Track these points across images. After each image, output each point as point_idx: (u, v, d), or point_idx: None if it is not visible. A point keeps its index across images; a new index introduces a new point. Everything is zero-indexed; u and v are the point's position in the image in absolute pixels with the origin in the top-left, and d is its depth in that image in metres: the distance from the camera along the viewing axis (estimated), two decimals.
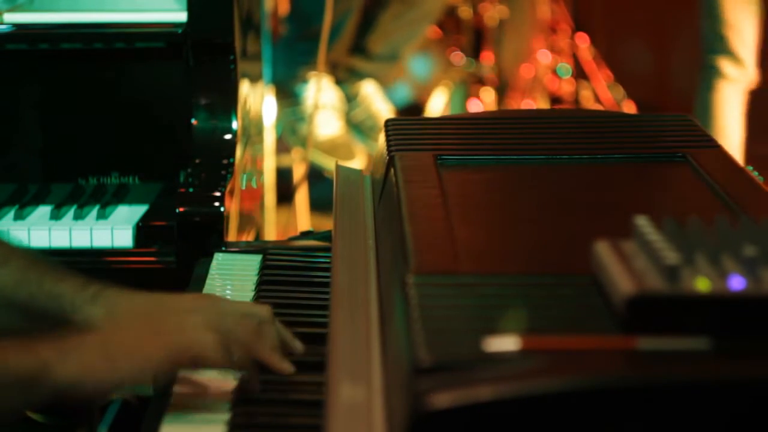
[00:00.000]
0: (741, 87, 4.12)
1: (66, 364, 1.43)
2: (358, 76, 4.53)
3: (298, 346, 1.62)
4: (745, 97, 4.13)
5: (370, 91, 4.53)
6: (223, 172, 2.27)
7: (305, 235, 2.17)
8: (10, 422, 1.53)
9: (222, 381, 1.55)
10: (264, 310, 1.62)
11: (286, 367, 1.55)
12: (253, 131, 2.62)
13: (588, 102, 5.21)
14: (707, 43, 4.12)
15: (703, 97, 4.14)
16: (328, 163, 4.28)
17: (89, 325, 1.61)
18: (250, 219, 2.56)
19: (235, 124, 2.32)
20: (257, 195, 2.83)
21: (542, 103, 5.20)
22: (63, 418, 2.65)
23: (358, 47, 4.51)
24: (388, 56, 4.57)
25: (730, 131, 4.06)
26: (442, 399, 1.09)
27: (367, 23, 4.48)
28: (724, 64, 4.09)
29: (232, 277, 1.98)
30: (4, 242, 1.76)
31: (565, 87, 5.26)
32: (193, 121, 2.31)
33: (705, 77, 4.14)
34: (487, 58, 5.24)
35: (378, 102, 4.53)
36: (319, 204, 4.25)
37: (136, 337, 1.48)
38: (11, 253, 1.72)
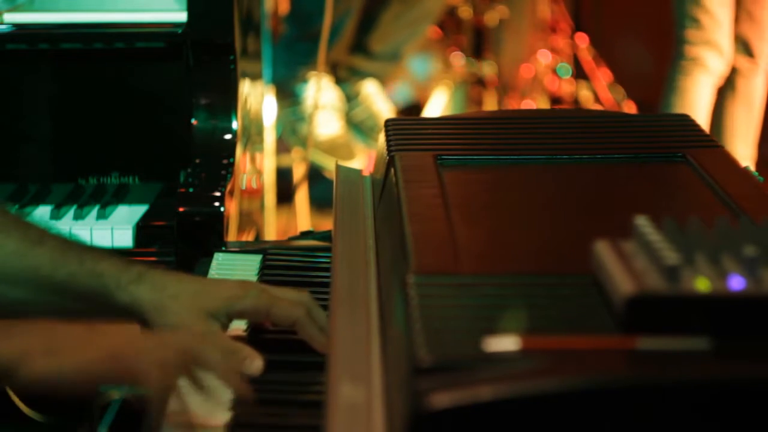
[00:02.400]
0: (715, 78, 4.07)
1: (6, 343, 1.41)
2: (359, 75, 4.53)
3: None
4: (717, 87, 4.08)
5: (371, 90, 4.53)
6: (223, 172, 2.27)
7: (305, 235, 2.17)
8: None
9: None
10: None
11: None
12: (253, 131, 2.62)
13: (588, 102, 5.21)
14: (681, 32, 4.05)
15: (674, 86, 4.06)
16: (328, 163, 4.29)
17: (136, 305, 1.60)
18: (250, 219, 2.56)
19: (235, 124, 2.32)
20: (257, 195, 2.83)
21: (542, 103, 5.20)
22: (63, 418, 2.64)
23: (359, 47, 4.51)
24: (389, 56, 4.57)
25: (700, 123, 4.02)
26: (442, 399, 1.09)
27: (367, 23, 4.48)
28: (703, 54, 4.03)
29: (232, 277, 1.98)
30: (36, 224, 1.73)
31: (565, 87, 5.27)
32: (193, 121, 2.31)
33: (679, 67, 4.07)
34: (487, 58, 5.25)
35: (379, 102, 4.54)
36: (319, 204, 4.25)
37: (83, 337, 1.45)
38: (45, 233, 1.69)
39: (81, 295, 1.63)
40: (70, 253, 1.66)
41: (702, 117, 4.02)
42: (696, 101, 4.03)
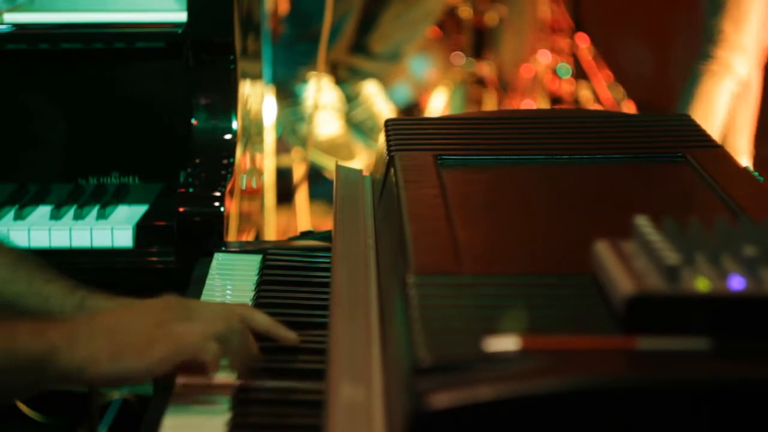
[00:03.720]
0: (738, 82, 4.09)
1: (73, 350, 1.45)
2: (360, 75, 4.53)
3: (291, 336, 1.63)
4: (737, 92, 4.11)
5: (371, 91, 4.53)
6: (223, 172, 2.27)
7: (305, 235, 2.17)
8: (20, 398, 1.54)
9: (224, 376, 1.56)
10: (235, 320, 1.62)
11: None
12: (253, 131, 2.62)
13: (588, 102, 5.21)
14: (710, 34, 4.07)
15: (695, 87, 4.08)
16: (328, 163, 4.29)
17: None
18: (250, 219, 2.56)
19: (235, 124, 2.32)
20: (257, 195, 2.83)
21: (542, 103, 5.20)
22: (63, 418, 2.64)
23: (360, 46, 4.51)
24: (389, 55, 4.57)
25: (718, 126, 4.04)
26: (442, 399, 1.09)
27: (367, 23, 4.48)
28: (732, 58, 4.05)
29: (232, 277, 1.98)
30: None
31: (565, 87, 5.26)
32: (193, 121, 2.31)
33: (702, 69, 4.08)
34: (487, 58, 5.25)
35: (379, 102, 4.54)
36: (319, 204, 4.25)
37: (146, 334, 1.49)
38: (0, 250, 1.73)
39: (27, 314, 1.66)
40: (20, 273, 1.70)
41: (720, 119, 4.04)
42: (718, 106, 4.04)
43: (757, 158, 4.22)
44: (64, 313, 1.66)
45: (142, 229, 2.22)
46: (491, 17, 5.25)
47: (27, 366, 1.44)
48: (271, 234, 3.87)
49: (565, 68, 5.28)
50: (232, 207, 2.26)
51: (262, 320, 1.64)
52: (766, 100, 4.25)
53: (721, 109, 4.06)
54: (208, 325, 1.53)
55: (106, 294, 1.69)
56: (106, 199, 2.32)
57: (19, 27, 2.40)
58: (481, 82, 5.22)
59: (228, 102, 2.33)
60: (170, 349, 1.48)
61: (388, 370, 1.34)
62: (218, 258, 2.06)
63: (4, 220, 2.25)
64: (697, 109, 4.00)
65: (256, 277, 1.94)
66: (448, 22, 5.26)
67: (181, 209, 2.19)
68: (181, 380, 1.56)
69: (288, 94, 4.37)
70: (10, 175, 2.40)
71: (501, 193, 1.78)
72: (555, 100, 5.25)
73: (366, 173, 2.11)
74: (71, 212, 2.27)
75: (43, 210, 2.29)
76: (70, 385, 1.53)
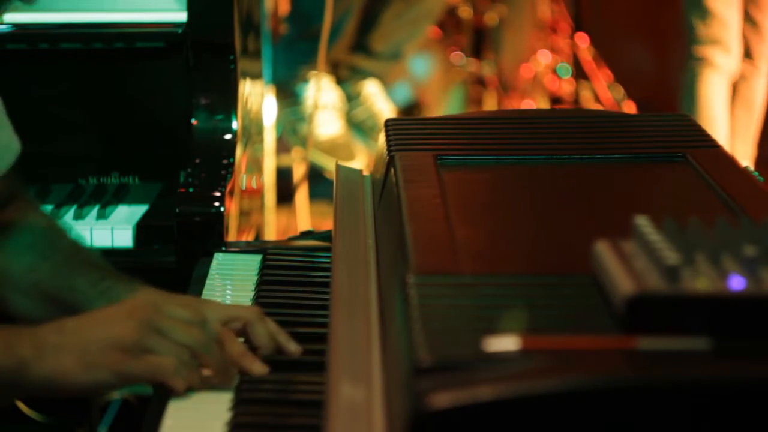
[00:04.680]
0: (727, 77, 4.12)
1: (41, 363, 1.43)
2: (361, 75, 4.53)
3: (293, 347, 1.62)
4: (730, 87, 4.14)
5: (371, 90, 4.53)
6: (223, 172, 2.27)
7: (305, 235, 2.16)
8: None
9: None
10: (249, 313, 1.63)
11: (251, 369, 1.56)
12: (253, 131, 2.62)
13: (588, 102, 5.21)
14: (691, 33, 4.12)
15: (689, 89, 4.13)
16: (329, 163, 4.29)
17: None
18: (250, 219, 2.56)
19: (235, 124, 2.32)
20: (257, 195, 2.83)
21: (542, 103, 5.20)
22: (63, 418, 2.64)
23: (360, 46, 4.51)
24: (390, 55, 4.57)
25: (718, 122, 4.06)
26: (442, 399, 1.09)
27: (368, 22, 4.48)
28: (711, 53, 4.09)
29: (232, 277, 1.98)
30: (54, 234, 1.79)
31: (565, 87, 5.26)
32: (193, 121, 2.31)
33: (690, 68, 4.14)
34: (487, 58, 5.25)
35: (379, 102, 4.54)
36: (319, 204, 4.25)
37: (117, 349, 1.47)
38: (54, 247, 1.75)
39: (66, 309, 1.66)
40: (64, 270, 1.72)
41: (719, 115, 4.06)
42: (711, 101, 4.07)
43: (758, 158, 4.23)
44: (88, 304, 1.66)
45: (142, 229, 2.22)
46: (491, 17, 5.25)
47: None
48: (271, 234, 3.87)
49: (565, 68, 5.28)
50: (232, 207, 2.26)
51: (268, 327, 1.63)
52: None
53: (716, 104, 4.08)
54: (179, 348, 1.49)
55: (131, 281, 1.70)
56: (106, 199, 2.32)
57: (19, 27, 2.40)
58: (481, 82, 5.23)
59: (228, 102, 2.33)
60: (140, 371, 1.47)
61: (388, 370, 1.34)
62: (218, 258, 2.06)
63: None
64: (695, 111, 4.03)
65: (256, 277, 1.94)
66: (448, 22, 5.26)
67: (181, 209, 2.19)
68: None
69: (288, 94, 4.37)
70: None
71: (501, 193, 1.78)
72: (555, 100, 5.25)
73: (366, 173, 2.11)
74: (71, 212, 2.27)
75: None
76: (47, 395, 1.52)
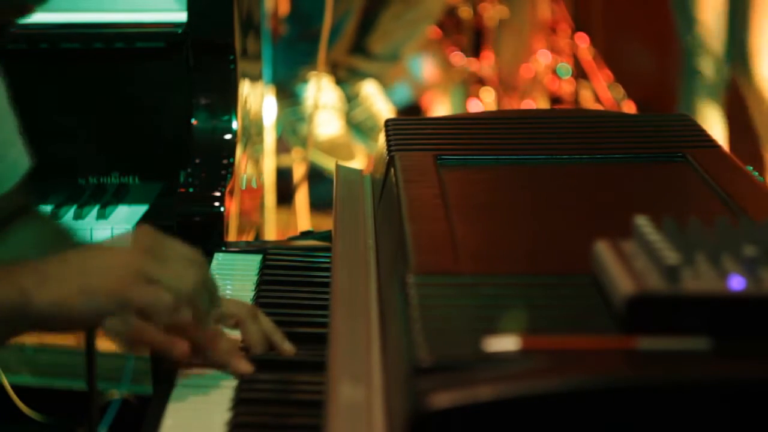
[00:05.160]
0: (720, 86, 4.18)
1: (44, 291, 1.43)
2: (359, 75, 4.53)
3: (287, 348, 1.63)
4: (724, 94, 4.20)
5: (371, 91, 4.53)
6: (223, 172, 2.27)
7: (305, 235, 2.17)
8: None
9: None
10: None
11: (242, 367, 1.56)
12: (253, 131, 2.62)
13: (588, 102, 5.21)
14: (685, 45, 4.20)
15: (686, 99, 4.21)
16: (328, 163, 4.28)
17: None
18: (250, 219, 2.56)
19: (235, 124, 2.32)
20: (257, 195, 2.83)
21: (542, 103, 5.20)
22: (63, 418, 2.65)
23: (359, 47, 4.51)
24: (388, 56, 4.57)
25: (715, 131, 4.11)
26: (442, 399, 1.09)
27: (367, 23, 4.48)
28: (703, 64, 4.15)
29: (232, 277, 1.98)
30: (61, 235, 1.79)
31: (565, 87, 5.27)
32: (193, 121, 2.31)
33: (686, 81, 4.22)
34: (487, 58, 5.25)
35: (379, 102, 4.54)
36: (319, 204, 4.25)
37: (119, 276, 1.47)
38: (59, 243, 1.73)
39: None
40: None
41: (713, 122, 4.11)
42: (705, 111, 4.14)
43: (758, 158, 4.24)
44: None
45: None
46: (491, 17, 5.25)
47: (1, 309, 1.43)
48: (271, 234, 3.87)
49: (565, 68, 5.28)
50: (232, 207, 2.26)
51: (262, 326, 1.64)
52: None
53: (716, 116, 4.15)
54: (178, 281, 1.49)
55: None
56: (106, 199, 2.32)
57: (19, 27, 2.40)
58: (481, 82, 5.23)
59: (228, 102, 2.33)
60: (140, 298, 1.45)
61: (388, 370, 1.33)
62: (218, 258, 2.06)
63: None
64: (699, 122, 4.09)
65: (256, 277, 1.94)
66: (448, 22, 5.26)
67: (181, 209, 2.19)
68: (181, 380, 1.56)
69: (288, 94, 4.37)
70: None
71: (501, 193, 1.78)
72: (555, 100, 5.25)
73: (366, 173, 2.11)
74: (71, 212, 2.27)
75: (43, 210, 2.29)
76: (47, 330, 1.50)
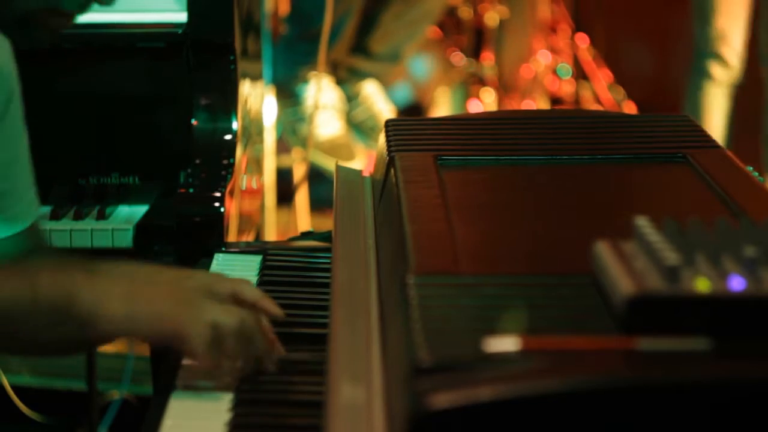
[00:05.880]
0: (726, 88, 4.20)
1: (92, 286, 1.48)
2: (360, 76, 4.52)
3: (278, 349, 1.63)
4: (730, 95, 4.20)
5: (371, 91, 4.53)
6: (223, 173, 2.27)
7: (305, 235, 2.17)
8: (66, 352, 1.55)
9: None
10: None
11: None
12: (254, 131, 2.62)
13: (588, 102, 5.21)
14: (698, 46, 4.20)
15: (693, 98, 4.22)
16: (329, 164, 4.28)
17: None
18: (250, 219, 2.56)
19: (235, 125, 2.32)
20: (257, 195, 2.83)
21: (542, 104, 5.20)
22: (63, 418, 2.65)
23: (360, 47, 4.51)
24: (389, 56, 4.56)
25: (718, 131, 4.12)
26: (442, 399, 1.09)
27: (368, 23, 4.48)
28: (713, 67, 4.17)
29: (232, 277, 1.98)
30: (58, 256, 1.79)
31: (565, 87, 5.26)
32: (193, 121, 2.31)
33: (694, 79, 4.23)
34: (487, 58, 5.24)
35: (379, 102, 4.53)
36: (319, 204, 4.25)
37: (163, 289, 1.51)
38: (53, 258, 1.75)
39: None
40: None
41: (718, 125, 4.13)
42: (710, 112, 4.16)
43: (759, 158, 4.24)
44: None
45: (142, 229, 2.22)
46: (491, 17, 5.25)
47: (50, 307, 1.46)
48: (271, 234, 3.87)
49: (565, 69, 5.28)
50: (232, 207, 2.26)
51: (251, 293, 1.65)
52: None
53: (716, 116, 4.17)
54: (226, 316, 1.51)
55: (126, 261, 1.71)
56: (107, 200, 2.32)
57: None
58: (481, 82, 5.22)
59: (228, 102, 2.33)
60: (178, 317, 1.48)
61: (388, 370, 1.34)
62: (218, 258, 2.06)
63: None
64: (705, 122, 4.10)
65: (256, 278, 1.94)
66: (448, 23, 5.26)
67: (181, 209, 2.19)
68: (182, 380, 1.56)
69: (288, 95, 4.36)
70: None
71: (501, 193, 1.78)
72: (555, 100, 5.25)
73: (366, 173, 2.11)
74: (71, 212, 2.27)
75: (43, 211, 2.29)
76: (87, 335, 1.52)
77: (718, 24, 4.15)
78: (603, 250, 1.28)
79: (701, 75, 4.22)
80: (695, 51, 4.24)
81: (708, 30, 4.17)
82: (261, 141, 2.98)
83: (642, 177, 1.83)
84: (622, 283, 1.19)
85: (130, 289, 1.49)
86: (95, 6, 1.75)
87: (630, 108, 5.10)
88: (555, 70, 5.28)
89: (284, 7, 4.39)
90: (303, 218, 4.12)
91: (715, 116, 4.19)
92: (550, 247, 1.52)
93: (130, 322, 1.48)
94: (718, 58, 4.17)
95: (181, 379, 1.56)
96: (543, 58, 5.27)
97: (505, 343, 1.16)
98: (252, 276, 1.95)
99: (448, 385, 1.11)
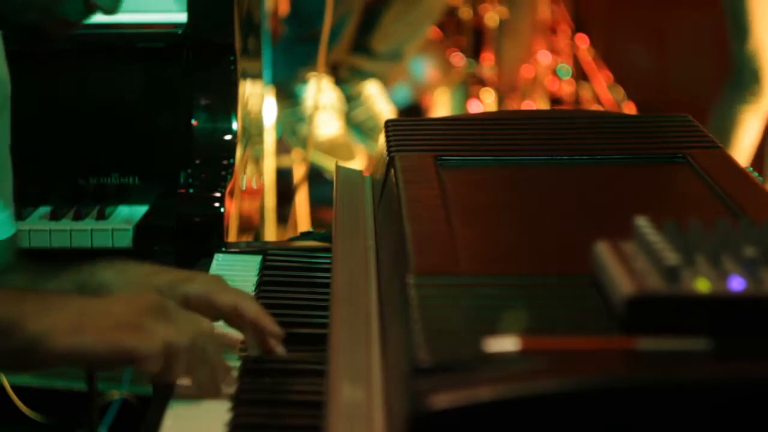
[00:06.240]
0: (761, 110, 4.10)
1: (39, 318, 1.44)
2: (361, 75, 4.52)
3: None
4: (764, 119, 4.11)
5: (371, 91, 4.53)
6: (223, 173, 2.27)
7: (305, 235, 2.17)
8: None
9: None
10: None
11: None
12: (254, 132, 2.62)
13: (588, 103, 5.21)
14: (737, 64, 4.08)
15: (722, 115, 4.11)
16: (329, 164, 4.28)
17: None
18: (250, 219, 2.56)
19: (235, 125, 2.32)
20: (257, 195, 2.83)
21: (542, 104, 5.20)
22: (63, 418, 2.65)
23: (360, 47, 4.51)
24: (391, 55, 4.56)
25: (744, 151, 4.06)
26: (442, 399, 1.09)
27: (368, 23, 4.48)
28: (750, 86, 4.06)
29: (232, 277, 1.98)
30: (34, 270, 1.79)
31: (565, 88, 5.27)
32: (193, 122, 2.32)
33: (729, 95, 4.11)
34: (487, 58, 5.25)
35: (379, 102, 4.53)
36: (319, 204, 4.25)
37: (114, 319, 1.47)
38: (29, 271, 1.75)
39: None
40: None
41: (746, 147, 4.06)
42: (742, 136, 4.09)
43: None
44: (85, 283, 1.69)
45: (142, 229, 2.22)
46: (491, 18, 5.25)
47: None
48: (271, 234, 3.87)
49: (565, 69, 5.29)
50: (232, 207, 2.26)
51: (251, 310, 1.64)
52: None
53: (749, 137, 4.09)
54: (177, 335, 1.48)
55: (108, 261, 1.72)
56: (106, 200, 2.32)
57: None
58: (481, 82, 5.23)
59: (228, 102, 2.33)
60: (128, 343, 1.44)
61: (388, 370, 1.33)
62: (218, 258, 2.06)
63: None
64: (725, 139, 4.02)
65: (256, 278, 1.94)
66: (449, 23, 5.26)
67: (181, 210, 2.19)
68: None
69: (288, 95, 4.36)
70: None
71: (501, 194, 1.78)
72: (555, 100, 5.25)
73: (366, 174, 2.11)
74: (71, 213, 2.27)
75: (43, 210, 2.29)
76: (24, 363, 1.51)
77: (754, 30, 4.03)
78: (603, 250, 1.28)
79: (739, 92, 4.09)
80: (735, 68, 4.09)
81: (746, 39, 4.04)
82: (261, 141, 2.98)
83: (642, 177, 1.83)
84: (622, 283, 1.19)
85: (79, 322, 1.44)
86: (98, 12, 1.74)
87: (630, 108, 5.10)
88: (555, 70, 5.28)
89: (284, 7, 4.39)
90: (303, 218, 4.13)
91: (747, 137, 4.10)
92: (550, 247, 1.52)
93: (75, 356, 1.45)
94: (757, 77, 4.07)
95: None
96: (543, 59, 5.28)
97: (505, 344, 1.16)
98: (252, 276, 1.95)
99: (448, 385, 1.11)
